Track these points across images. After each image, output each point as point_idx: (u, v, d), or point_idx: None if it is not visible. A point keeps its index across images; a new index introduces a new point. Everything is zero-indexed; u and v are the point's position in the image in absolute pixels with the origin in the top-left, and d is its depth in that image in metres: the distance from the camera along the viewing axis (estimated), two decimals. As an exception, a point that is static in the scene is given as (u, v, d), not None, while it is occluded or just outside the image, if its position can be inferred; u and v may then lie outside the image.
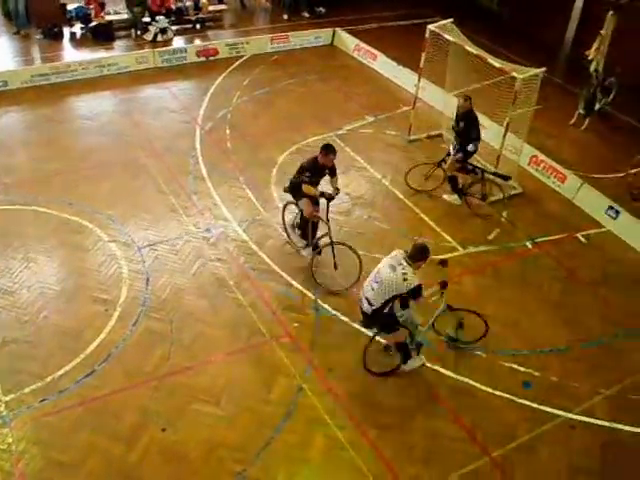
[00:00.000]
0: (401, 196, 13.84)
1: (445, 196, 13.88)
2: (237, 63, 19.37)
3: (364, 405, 9.42)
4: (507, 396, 9.65)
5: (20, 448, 8.57)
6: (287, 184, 11.62)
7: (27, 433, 8.77)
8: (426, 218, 13.22)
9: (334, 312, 10.78)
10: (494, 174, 13.51)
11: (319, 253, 11.51)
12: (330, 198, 11.20)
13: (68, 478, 8.29)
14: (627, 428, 9.45)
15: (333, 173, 11.34)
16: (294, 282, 11.33)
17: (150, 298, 10.81)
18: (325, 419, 9.16)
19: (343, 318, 10.68)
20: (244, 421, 9.08)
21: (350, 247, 11.31)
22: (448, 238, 12.66)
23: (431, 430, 9.16)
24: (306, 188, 11.04)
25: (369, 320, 9.59)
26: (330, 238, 11.27)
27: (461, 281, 11.66)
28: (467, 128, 13.25)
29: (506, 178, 13.53)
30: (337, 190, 11.30)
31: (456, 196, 13.75)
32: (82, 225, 12.30)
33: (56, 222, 12.35)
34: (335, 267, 11.34)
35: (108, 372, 9.57)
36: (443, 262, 9.68)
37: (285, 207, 12.21)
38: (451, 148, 13.62)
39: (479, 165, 13.82)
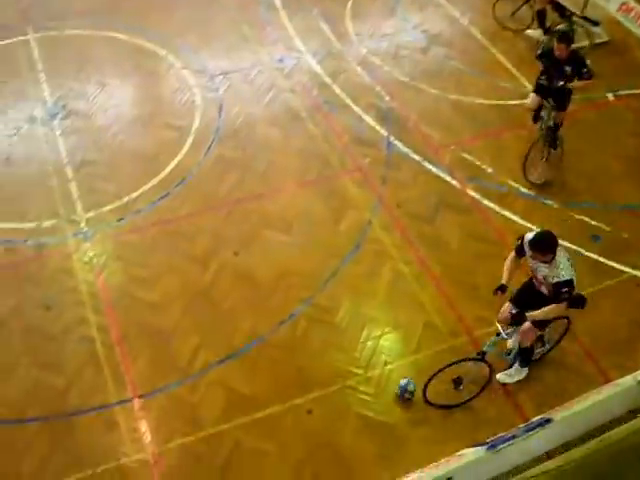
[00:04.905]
0: (479, 36, 13.29)
1: (529, 31, 13.19)
2: None
3: (430, 243, 9.48)
4: (574, 247, 9.39)
5: (101, 262, 9.06)
6: None
7: (107, 249, 9.25)
8: (504, 60, 12.74)
9: (406, 150, 10.68)
10: (584, 18, 12.78)
11: None
12: None
13: (146, 292, 8.76)
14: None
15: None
16: (366, 117, 11.19)
17: (223, 126, 10.87)
18: (392, 253, 9.32)
19: (414, 156, 10.59)
20: (313, 250, 9.30)
21: None
22: (526, 84, 12.21)
23: (493, 272, 9.08)
24: None
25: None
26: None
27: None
28: None
29: (595, 23, 12.76)
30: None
31: (541, 31, 13.08)
32: (155, 51, 12.22)
33: (129, 48, 12.29)
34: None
35: (182, 196, 9.84)
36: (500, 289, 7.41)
37: None
38: None
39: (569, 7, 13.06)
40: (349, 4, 13.65)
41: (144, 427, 7.61)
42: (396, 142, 10.81)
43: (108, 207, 9.66)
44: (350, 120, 11.15)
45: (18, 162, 10.37)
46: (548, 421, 7.19)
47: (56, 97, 11.34)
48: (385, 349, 8.34)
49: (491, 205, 9.97)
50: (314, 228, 9.57)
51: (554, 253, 7.01)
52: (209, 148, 10.51)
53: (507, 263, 7.42)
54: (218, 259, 9.11)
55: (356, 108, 11.34)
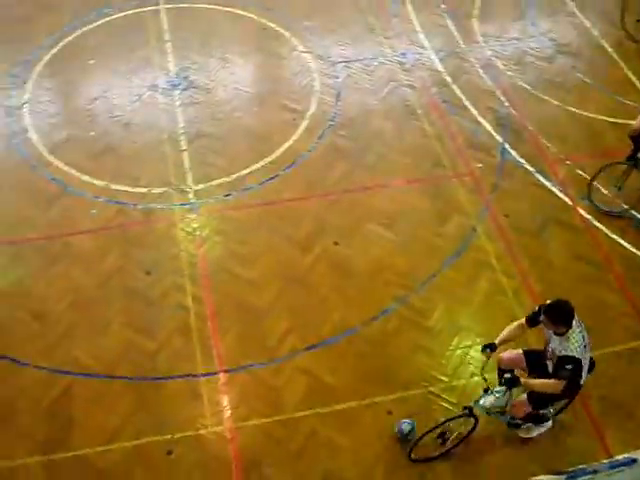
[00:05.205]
0: (610, 49, 12.79)
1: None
2: None
3: (534, 258, 9.21)
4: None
5: (204, 234, 9.28)
6: None
7: (211, 222, 9.45)
8: (635, 78, 12.21)
9: (521, 160, 10.41)
10: None
11: None
12: None
13: (244, 269, 8.91)
14: None
15: None
16: (483, 121, 10.96)
17: (338, 114, 10.88)
18: (493, 264, 9.11)
19: (528, 167, 10.30)
20: (414, 249, 9.21)
21: None
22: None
23: (595, 297, 8.82)
24: None
25: None
26: None
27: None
28: None
29: None
30: None
31: None
32: (279, 33, 12.31)
33: (254, 26, 12.42)
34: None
35: (291, 179, 9.93)
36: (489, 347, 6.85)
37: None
38: None
39: None
40: (478, 3, 13.39)
41: (225, 402, 7.75)
42: (511, 150, 10.55)
43: (217, 181, 9.87)
44: (466, 122, 10.94)
45: (136, 128, 10.70)
46: (634, 461, 6.85)
47: (179, 68, 11.61)
48: (474, 360, 8.16)
49: (602, 227, 9.62)
50: (417, 227, 9.47)
51: (568, 326, 6.45)
52: (322, 135, 10.54)
53: (510, 326, 6.88)
54: (318, 246, 9.16)
55: (474, 111, 11.12)
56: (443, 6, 13.15)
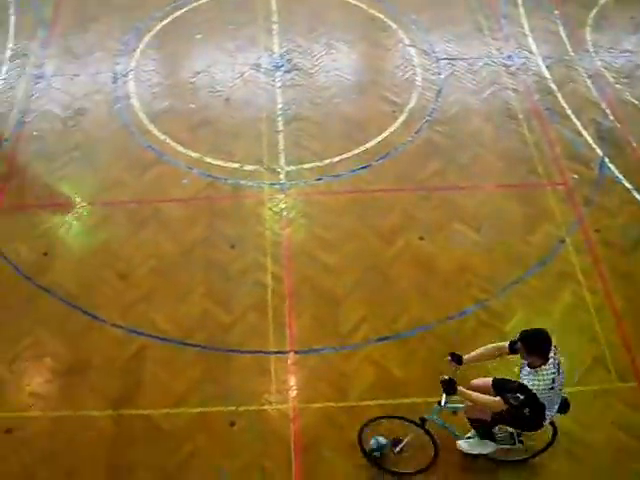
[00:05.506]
0: None
1: None
2: None
3: (621, 277, 8.90)
4: None
5: (290, 215, 9.38)
6: None
7: (298, 204, 9.54)
8: None
9: (619, 175, 10.07)
10: None
11: None
12: None
13: (326, 254, 8.96)
14: None
15: None
16: (585, 132, 10.67)
17: (437, 111, 10.79)
18: (578, 278, 8.86)
19: (626, 184, 9.96)
20: (498, 254, 9.06)
21: None
22: None
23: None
24: None
25: None
26: None
27: None
28: None
29: None
30: None
31: None
32: (387, 24, 12.29)
33: (362, 16, 12.44)
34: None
35: (382, 170, 9.92)
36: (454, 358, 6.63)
37: None
38: None
39: None
40: (593, 11, 13.00)
41: (292, 381, 7.81)
42: (610, 165, 10.24)
43: (309, 165, 9.94)
44: (567, 132, 10.67)
45: (236, 104, 10.89)
46: None
47: (283, 50, 11.75)
48: (544, 372, 7.98)
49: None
50: (504, 232, 9.30)
51: (542, 360, 6.03)
52: (419, 129, 10.47)
53: (487, 345, 6.50)
54: (403, 239, 9.12)
55: (576, 121, 10.83)
56: (556, 12, 12.86)
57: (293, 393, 7.69)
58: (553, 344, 6.13)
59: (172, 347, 8.08)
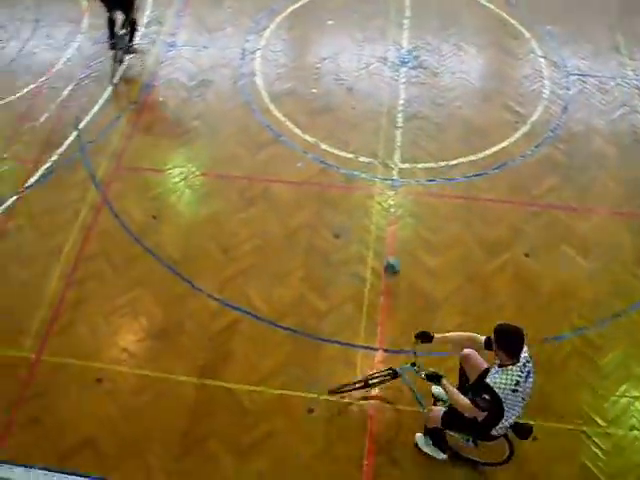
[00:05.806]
0: None
1: None
2: None
3: None
4: None
5: (398, 213, 9.34)
6: None
7: (407, 203, 9.48)
8: None
9: None
10: None
11: None
12: None
13: (429, 257, 8.89)
14: None
15: None
16: None
17: (561, 127, 10.50)
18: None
19: None
20: (604, 282, 8.74)
21: None
22: None
23: None
24: None
25: None
26: None
27: None
28: None
29: None
30: None
31: None
32: (519, 31, 12.05)
33: (497, 21, 12.25)
34: None
35: (497, 180, 9.74)
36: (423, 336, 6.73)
37: None
38: None
39: None
40: None
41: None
42: None
43: (423, 165, 9.88)
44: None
45: (358, 95, 10.92)
46: None
47: (412, 46, 11.71)
48: (638, 414, 7.67)
49: None
50: (613, 261, 8.97)
51: (512, 359, 5.96)
52: (539, 144, 10.23)
53: (465, 333, 6.66)
54: (507, 253, 8.94)
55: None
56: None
57: (375, 390, 7.67)
58: (527, 353, 6.10)
59: (264, 326, 8.20)
